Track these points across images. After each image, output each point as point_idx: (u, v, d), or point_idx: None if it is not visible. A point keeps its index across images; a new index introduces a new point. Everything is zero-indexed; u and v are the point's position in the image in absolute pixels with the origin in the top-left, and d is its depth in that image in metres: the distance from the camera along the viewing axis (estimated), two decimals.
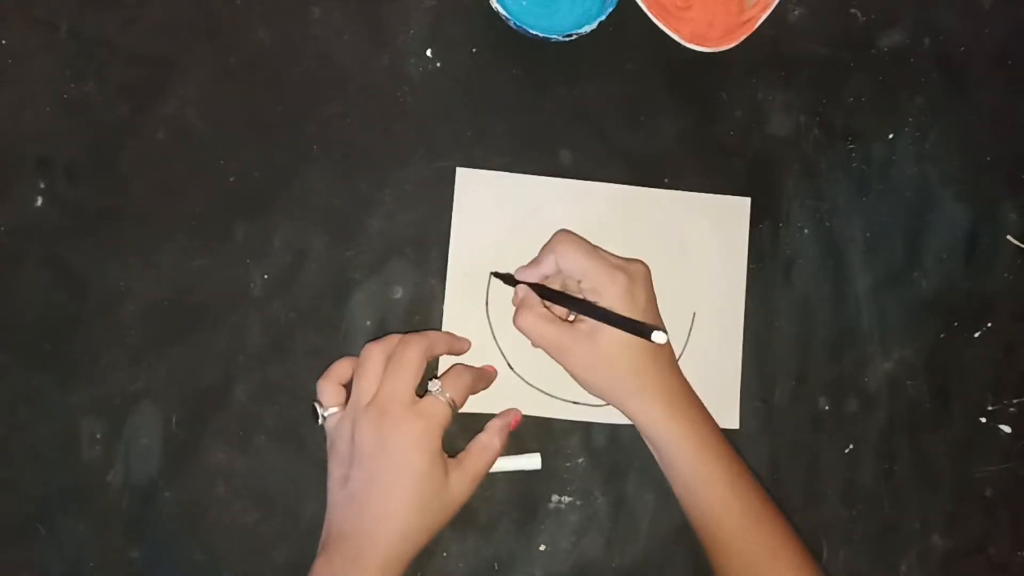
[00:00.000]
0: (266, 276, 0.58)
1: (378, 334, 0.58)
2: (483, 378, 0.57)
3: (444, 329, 0.58)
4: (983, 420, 0.60)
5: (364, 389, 0.52)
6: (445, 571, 0.57)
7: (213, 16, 0.60)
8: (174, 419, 0.57)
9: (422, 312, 0.59)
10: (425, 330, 0.57)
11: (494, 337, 0.58)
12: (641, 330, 0.48)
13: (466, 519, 0.57)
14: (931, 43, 0.62)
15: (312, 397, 0.54)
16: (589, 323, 0.53)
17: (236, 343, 0.58)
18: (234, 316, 0.58)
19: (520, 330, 0.54)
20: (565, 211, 0.59)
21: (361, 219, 0.59)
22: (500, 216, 0.59)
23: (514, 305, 0.56)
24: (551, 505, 0.58)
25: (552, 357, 0.54)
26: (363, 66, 0.60)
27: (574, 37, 0.57)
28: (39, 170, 0.58)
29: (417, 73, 0.60)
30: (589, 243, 0.55)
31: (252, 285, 0.58)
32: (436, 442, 0.51)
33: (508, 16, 0.57)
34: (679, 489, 0.54)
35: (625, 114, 0.61)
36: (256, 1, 0.60)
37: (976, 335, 0.61)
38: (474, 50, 0.60)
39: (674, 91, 0.61)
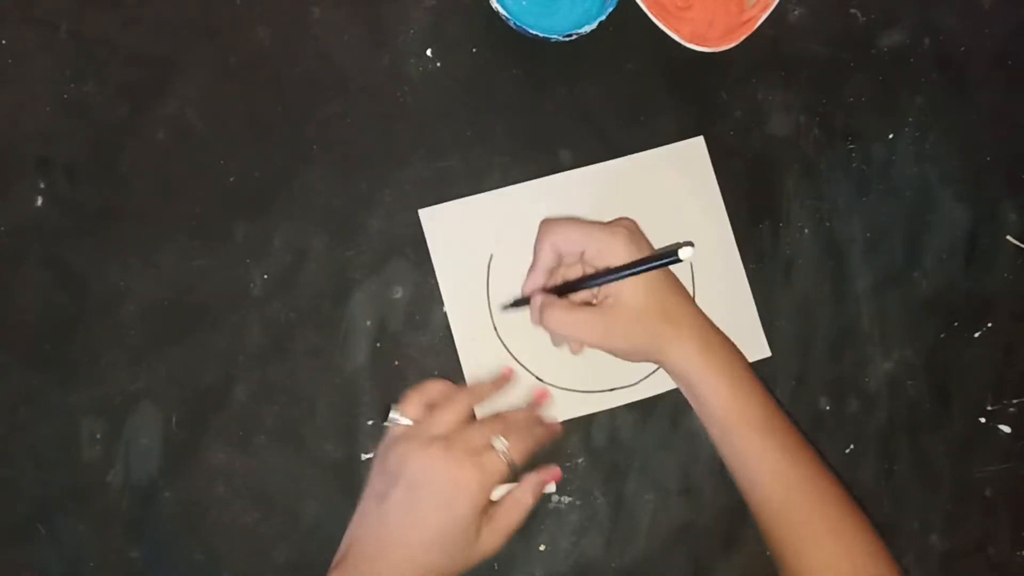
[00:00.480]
0: (266, 276, 0.58)
1: (378, 334, 0.58)
2: (549, 435, 0.56)
3: (463, 368, 0.58)
4: (983, 420, 0.60)
5: (442, 421, 0.52)
6: None
7: (213, 16, 0.60)
8: (174, 419, 0.57)
9: (422, 312, 0.59)
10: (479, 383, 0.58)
11: (514, 358, 0.58)
12: (665, 256, 0.47)
13: None
14: (931, 43, 0.62)
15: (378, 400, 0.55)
16: (611, 294, 0.53)
17: (236, 343, 0.58)
18: (234, 316, 0.58)
19: (551, 329, 0.54)
20: (536, 211, 0.58)
21: (361, 219, 0.59)
22: (477, 241, 0.59)
23: (536, 321, 0.55)
24: (551, 505, 0.58)
25: (588, 342, 0.54)
26: (363, 66, 0.60)
27: (574, 37, 0.57)
28: (39, 170, 0.58)
29: (417, 73, 0.60)
30: (574, 217, 0.56)
31: (252, 285, 0.58)
32: (485, 497, 0.51)
33: (508, 16, 0.57)
34: (714, 430, 0.53)
35: (625, 114, 0.61)
36: (256, 1, 0.60)
37: (976, 335, 0.61)
38: (474, 50, 0.60)
39: (674, 91, 0.61)
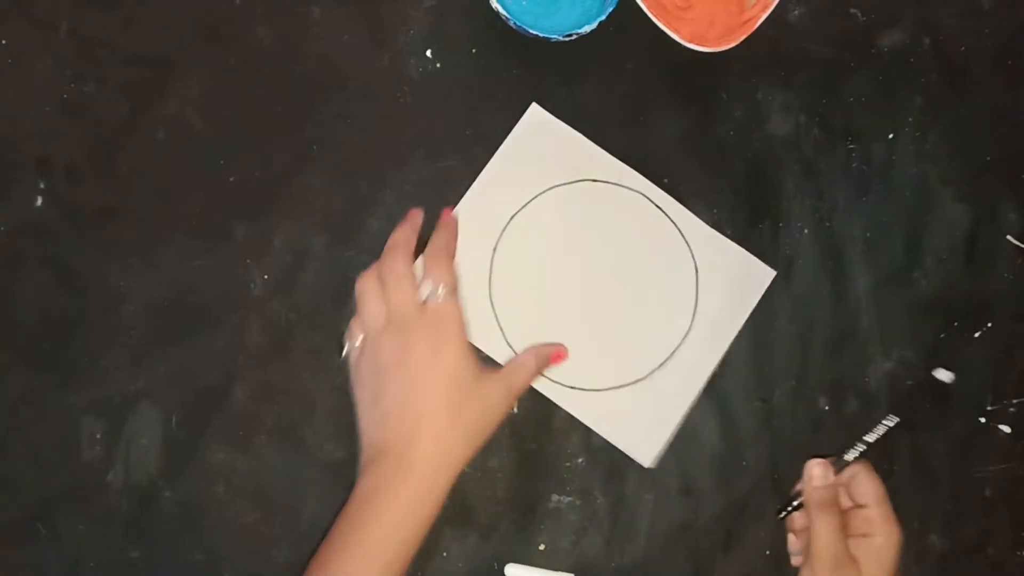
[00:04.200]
0: (266, 276, 0.58)
1: None
2: (452, 236, 0.57)
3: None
4: (983, 420, 0.60)
5: (372, 314, 0.53)
6: (445, 571, 0.57)
7: (213, 16, 0.60)
8: (174, 419, 0.57)
9: None
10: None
11: (496, 316, 0.58)
12: None
13: (466, 519, 0.57)
14: (931, 43, 0.62)
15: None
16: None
17: (236, 343, 0.58)
18: (234, 316, 0.58)
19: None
20: (599, 194, 0.59)
21: (361, 219, 0.59)
22: (548, 167, 0.59)
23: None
24: (551, 505, 0.58)
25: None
26: (363, 66, 0.60)
27: (574, 37, 0.57)
28: (39, 170, 0.58)
29: (417, 73, 0.60)
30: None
31: (252, 285, 0.58)
32: (461, 336, 0.52)
33: (508, 16, 0.57)
34: None
35: (625, 114, 0.61)
36: (256, 1, 0.60)
37: (976, 335, 0.61)
38: (474, 50, 0.60)
39: (674, 91, 0.61)
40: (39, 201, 0.58)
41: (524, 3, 0.58)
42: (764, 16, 0.58)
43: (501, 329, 0.58)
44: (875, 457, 0.59)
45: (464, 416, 0.51)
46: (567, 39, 0.57)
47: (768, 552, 0.58)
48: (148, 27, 0.60)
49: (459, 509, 0.57)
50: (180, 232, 0.59)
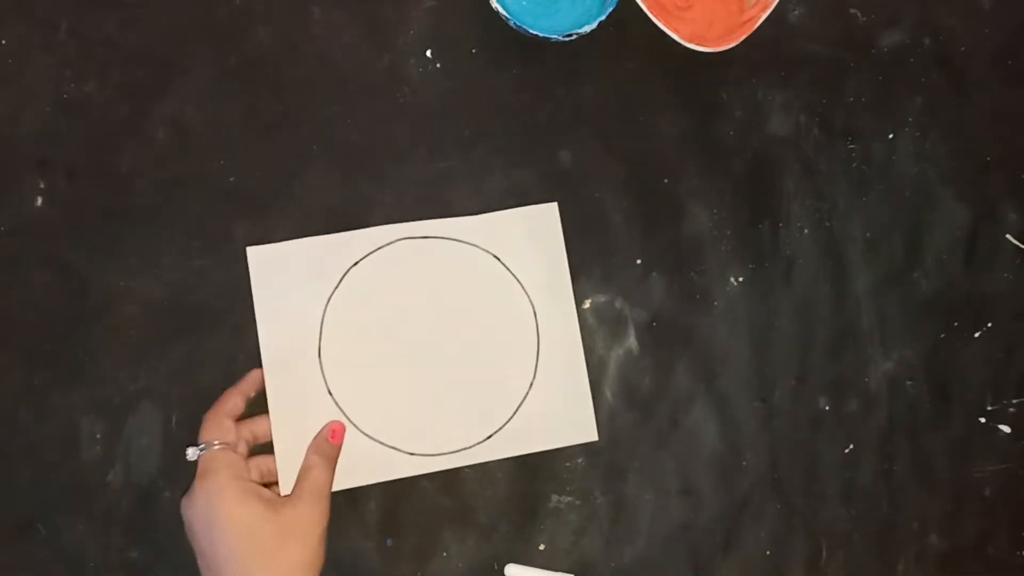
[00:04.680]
0: None
1: None
2: (240, 391, 0.55)
3: (275, 432, 0.55)
4: (983, 420, 0.60)
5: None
6: (445, 571, 0.57)
7: (213, 16, 0.60)
8: (174, 419, 0.57)
9: None
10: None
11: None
12: None
13: (466, 519, 0.57)
14: (931, 43, 0.62)
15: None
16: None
17: (236, 343, 0.58)
18: (234, 316, 0.58)
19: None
20: (376, 263, 0.58)
21: (361, 219, 0.59)
22: (309, 287, 0.57)
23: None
24: (551, 505, 0.58)
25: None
26: (363, 66, 0.60)
27: (574, 37, 0.57)
28: (39, 170, 0.58)
29: (417, 73, 0.60)
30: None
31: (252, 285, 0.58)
32: (231, 486, 0.50)
33: (508, 16, 0.57)
34: None
35: (625, 114, 0.61)
36: (256, 1, 0.60)
37: (976, 335, 0.61)
38: (474, 50, 0.60)
39: (674, 91, 0.61)
40: (39, 201, 0.58)
41: (524, 3, 0.58)
42: (764, 16, 0.58)
43: (332, 395, 0.57)
44: (875, 457, 0.59)
45: (280, 559, 0.49)
46: (567, 39, 0.57)
47: (768, 552, 0.58)
48: (148, 27, 0.60)
49: (459, 509, 0.57)
50: (180, 232, 0.58)
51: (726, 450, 0.59)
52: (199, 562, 0.50)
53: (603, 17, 0.57)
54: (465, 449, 0.57)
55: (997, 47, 0.62)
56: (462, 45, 0.60)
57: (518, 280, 0.58)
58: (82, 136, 0.59)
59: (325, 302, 0.57)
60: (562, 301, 0.58)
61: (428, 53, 0.60)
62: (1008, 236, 0.61)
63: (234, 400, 0.54)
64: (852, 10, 0.62)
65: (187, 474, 0.57)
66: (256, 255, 0.57)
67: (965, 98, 0.62)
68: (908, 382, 0.60)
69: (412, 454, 0.57)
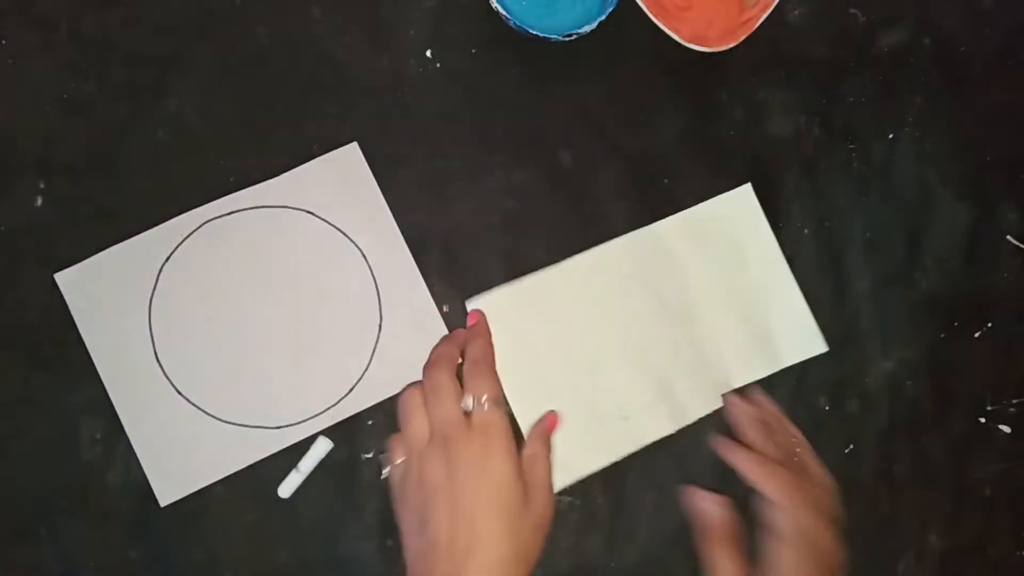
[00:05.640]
0: None
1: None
2: (487, 342, 0.55)
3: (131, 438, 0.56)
4: (983, 420, 0.60)
5: (415, 431, 0.51)
6: None
7: (213, 16, 0.60)
8: None
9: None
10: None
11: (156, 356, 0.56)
12: None
13: None
14: (931, 43, 0.62)
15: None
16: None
17: None
18: None
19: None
20: (189, 252, 0.57)
21: None
22: (128, 296, 0.56)
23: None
24: None
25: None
26: (363, 66, 0.60)
27: (574, 37, 0.57)
28: (39, 170, 0.58)
29: (417, 73, 0.60)
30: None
31: None
32: (508, 449, 0.50)
33: (508, 16, 0.57)
34: None
35: (625, 114, 0.61)
36: (256, 1, 0.60)
37: (976, 335, 0.61)
38: (474, 50, 0.60)
39: (674, 91, 0.61)
40: (39, 201, 0.58)
41: (524, 3, 0.58)
42: (764, 16, 0.58)
43: (173, 385, 0.57)
44: (875, 457, 0.59)
45: (516, 540, 0.48)
46: (567, 39, 0.57)
47: None
48: (148, 27, 0.60)
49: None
50: None
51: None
52: (413, 516, 0.50)
53: (603, 17, 0.57)
54: (332, 407, 0.56)
55: (997, 47, 0.62)
56: (462, 45, 0.60)
57: (338, 228, 0.57)
58: (82, 136, 0.59)
59: (148, 306, 0.57)
60: (387, 236, 0.58)
61: (428, 53, 0.60)
62: (1008, 236, 0.61)
63: (479, 348, 0.54)
64: (852, 10, 0.62)
65: None
66: (65, 279, 0.57)
67: (965, 98, 0.62)
68: (908, 382, 0.60)
69: (279, 427, 0.56)
